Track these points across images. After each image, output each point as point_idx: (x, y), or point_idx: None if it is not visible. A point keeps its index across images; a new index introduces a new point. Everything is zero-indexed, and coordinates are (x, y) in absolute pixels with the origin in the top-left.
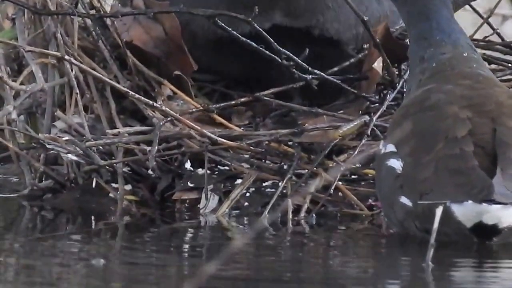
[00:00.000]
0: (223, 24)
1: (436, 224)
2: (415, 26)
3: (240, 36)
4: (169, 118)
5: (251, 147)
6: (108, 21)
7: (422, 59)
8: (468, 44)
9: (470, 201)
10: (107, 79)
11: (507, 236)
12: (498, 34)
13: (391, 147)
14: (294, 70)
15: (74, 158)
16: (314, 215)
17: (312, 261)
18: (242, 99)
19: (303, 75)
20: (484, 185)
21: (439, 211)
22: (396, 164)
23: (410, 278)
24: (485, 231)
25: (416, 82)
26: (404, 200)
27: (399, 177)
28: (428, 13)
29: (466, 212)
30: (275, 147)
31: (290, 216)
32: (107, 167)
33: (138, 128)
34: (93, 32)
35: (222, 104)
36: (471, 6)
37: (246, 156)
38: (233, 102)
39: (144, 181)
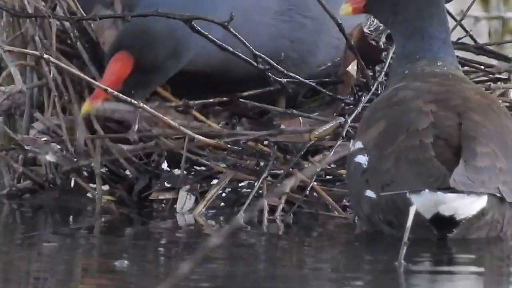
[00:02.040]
0: (199, 29)
1: (409, 222)
2: (404, 47)
3: (216, 40)
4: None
5: (229, 145)
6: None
7: (400, 74)
8: (454, 64)
9: (426, 190)
10: (85, 76)
11: (466, 228)
12: (471, 36)
13: (359, 144)
14: (269, 74)
15: (52, 159)
16: (291, 214)
17: (285, 259)
18: (220, 99)
19: (279, 78)
20: (439, 174)
21: (412, 209)
22: (362, 159)
23: (383, 276)
24: (443, 223)
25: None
26: (369, 193)
27: (365, 172)
28: (422, 36)
29: (424, 201)
30: (252, 146)
31: (266, 215)
32: (84, 167)
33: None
34: (71, 34)
35: (200, 101)
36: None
37: (223, 154)
38: (211, 100)
39: (122, 181)
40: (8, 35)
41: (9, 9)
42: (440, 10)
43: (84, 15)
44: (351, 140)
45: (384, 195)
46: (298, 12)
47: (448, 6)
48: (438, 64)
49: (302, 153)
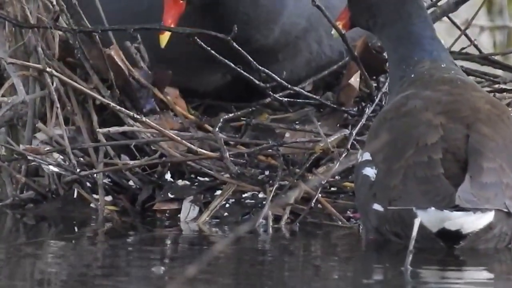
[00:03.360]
0: (202, 43)
1: (414, 233)
2: (395, 51)
3: (218, 55)
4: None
5: (232, 158)
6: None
7: (402, 78)
8: (449, 59)
9: (432, 208)
10: (87, 90)
11: (473, 241)
12: (476, 46)
13: (367, 156)
14: (270, 92)
15: (55, 169)
16: (297, 223)
17: (291, 267)
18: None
19: (279, 97)
20: (446, 194)
21: (417, 220)
22: (370, 172)
23: (388, 283)
24: (450, 236)
25: (395, 95)
26: (376, 206)
27: (373, 185)
28: (409, 36)
29: (430, 218)
30: (260, 159)
31: (271, 223)
32: (88, 178)
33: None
34: (74, 46)
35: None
36: (449, 17)
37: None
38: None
39: (125, 192)
40: (11, 45)
41: (11, 19)
42: (417, 6)
43: (88, 25)
44: (359, 150)
45: (391, 209)
46: None
47: (452, 15)
48: (443, 66)
49: (307, 165)
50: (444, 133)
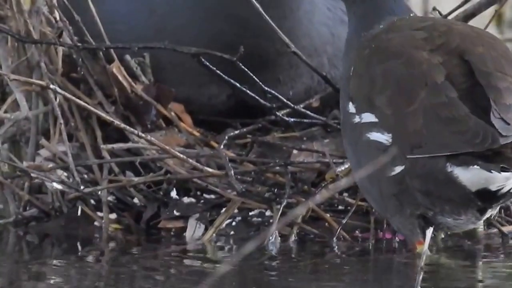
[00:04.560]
0: (207, 63)
1: (426, 247)
2: (358, 15)
3: (223, 75)
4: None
5: (238, 176)
6: None
7: (365, 31)
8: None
9: (477, 167)
10: (91, 108)
11: (509, 198)
12: None
13: (368, 117)
14: (276, 112)
15: (59, 186)
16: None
17: (297, 283)
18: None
19: (285, 118)
20: (486, 133)
21: (429, 232)
22: (380, 137)
23: None
24: (489, 196)
25: (359, 48)
26: (397, 169)
27: (387, 150)
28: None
29: (472, 178)
30: (268, 176)
31: (279, 239)
32: (92, 195)
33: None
34: (77, 63)
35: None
36: None
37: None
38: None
39: (129, 209)
40: (13, 60)
41: (14, 34)
42: None
43: (92, 41)
44: (349, 104)
45: (416, 160)
46: (339, 7)
47: None
48: (411, 14)
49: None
50: (447, 70)
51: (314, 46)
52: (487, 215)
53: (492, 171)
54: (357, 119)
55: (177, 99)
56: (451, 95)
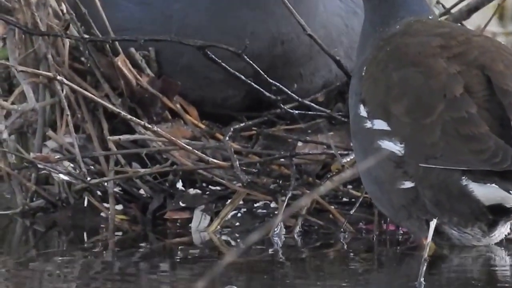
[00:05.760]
0: (213, 56)
1: (429, 238)
2: (375, 11)
3: (229, 68)
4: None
5: (244, 168)
6: None
7: (375, 37)
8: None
9: (494, 185)
10: (98, 99)
11: None
12: None
13: (380, 124)
14: (281, 105)
15: (66, 178)
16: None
17: (301, 276)
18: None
19: (290, 110)
20: (505, 153)
21: (433, 224)
22: (392, 146)
23: None
24: (502, 210)
25: (374, 46)
26: (407, 184)
27: (400, 162)
28: None
29: (488, 194)
30: (274, 168)
31: (284, 231)
32: (98, 186)
33: (133, 150)
34: (84, 55)
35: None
36: (461, 24)
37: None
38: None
39: (136, 201)
40: (21, 52)
41: (21, 26)
42: None
43: (98, 34)
44: (361, 106)
45: (430, 171)
46: None
47: (466, 22)
48: (430, 18)
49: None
50: (464, 81)
51: (330, 37)
52: (495, 232)
53: (510, 191)
54: (368, 124)
55: (187, 98)
56: (471, 110)
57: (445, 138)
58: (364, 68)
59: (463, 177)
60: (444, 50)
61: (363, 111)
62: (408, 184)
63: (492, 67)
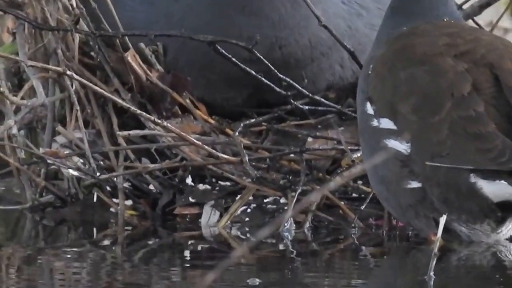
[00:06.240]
0: (223, 51)
1: (439, 233)
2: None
3: (239, 63)
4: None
5: (253, 163)
6: None
7: (392, 30)
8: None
9: (504, 182)
10: (108, 94)
11: None
12: None
13: (386, 123)
14: (291, 100)
15: (75, 173)
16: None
17: (312, 270)
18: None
19: (300, 105)
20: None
21: (442, 219)
22: (398, 145)
23: None
24: (511, 207)
25: (381, 45)
26: (413, 184)
27: (406, 161)
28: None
29: (497, 191)
30: (283, 164)
31: (294, 226)
32: (107, 182)
33: (142, 145)
34: (94, 50)
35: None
36: (473, 20)
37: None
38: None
39: (145, 196)
40: (30, 47)
41: (31, 21)
42: None
43: (108, 29)
44: (368, 104)
45: (437, 170)
46: (355, 0)
47: (477, 18)
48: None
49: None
50: (472, 78)
51: (330, 38)
52: (504, 228)
53: None
54: (375, 122)
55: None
56: (479, 109)
57: (452, 137)
58: (371, 66)
59: (472, 175)
60: (451, 48)
61: (370, 109)
62: (415, 184)
63: (500, 65)
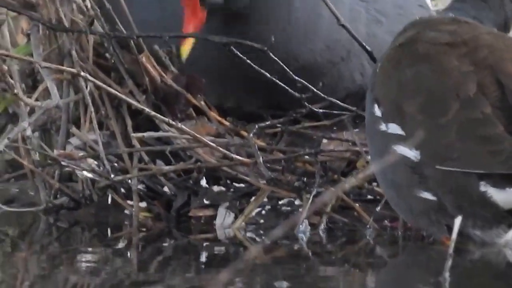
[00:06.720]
0: (238, 53)
1: (454, 235)
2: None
3: (253, 65)
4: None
5: (268, 165)
6: None
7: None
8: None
9: None
10: (121, 95)
11: None
12: None
13: (394, 128)
14: (305, 103)
15: (89, 175)
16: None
17: (326, 271)
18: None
19: (314, 109)
20: None
21: (458, 220)
22: (408, 152)
23: None
24: None
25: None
26: (425, 195)
27: (416, 168)
28: None
29: (507, 199)
30: (298, 165)
31: (308, 227)
32: (122, 183)
33: (157, 147)
34: (108, 51)
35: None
36: None
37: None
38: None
39: (160, 198)
40: (45, 48)
41: (45, 22)
42: None
43: (123, 30)
44: (375, 106)
45: (448, 175)
46: (374, 7)
47: None
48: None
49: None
50: (477, 78)
51: (341, 44)
52: None
53: None
54: (383, 127)
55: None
56: (486, 111)
57: (461, 139)
58: (379, 65)
59: (482, 182)
60: (453, 48)
61: (377, 111)
62: (428, 195)
63: (503, 68)
